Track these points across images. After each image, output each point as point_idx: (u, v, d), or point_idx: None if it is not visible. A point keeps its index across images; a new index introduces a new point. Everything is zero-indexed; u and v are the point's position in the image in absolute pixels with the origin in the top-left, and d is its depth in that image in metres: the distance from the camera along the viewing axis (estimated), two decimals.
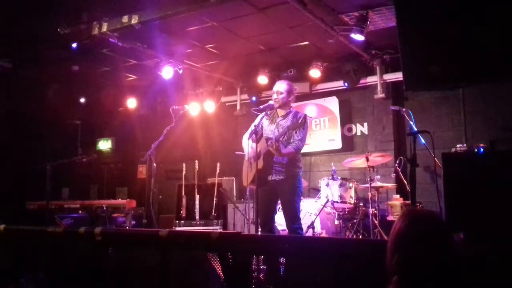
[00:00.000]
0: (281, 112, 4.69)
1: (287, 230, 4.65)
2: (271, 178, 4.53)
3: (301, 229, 4.61)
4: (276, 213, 4.78)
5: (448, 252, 1.59)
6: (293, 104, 5.00)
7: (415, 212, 1.74)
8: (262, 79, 7.76)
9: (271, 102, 4.66)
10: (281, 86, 4.69)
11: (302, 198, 5.11)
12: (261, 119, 4.68)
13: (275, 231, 4.80)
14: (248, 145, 4.61)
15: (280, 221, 4.94)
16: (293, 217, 4.49)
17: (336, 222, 6.28)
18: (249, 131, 4.84)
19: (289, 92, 4.68)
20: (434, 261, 1.56)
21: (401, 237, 1.64)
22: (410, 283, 1.58)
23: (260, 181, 4.38)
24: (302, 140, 4.52)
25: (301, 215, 4.94)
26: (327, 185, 6.24)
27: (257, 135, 4.42)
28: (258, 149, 4.38)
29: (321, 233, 6.13)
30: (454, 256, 1.60)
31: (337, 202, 6.15)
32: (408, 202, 5.75)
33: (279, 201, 4.69)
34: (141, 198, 7.99)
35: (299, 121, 4.29)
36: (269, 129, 4.66)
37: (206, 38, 6.76)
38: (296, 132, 4.46)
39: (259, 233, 4.36)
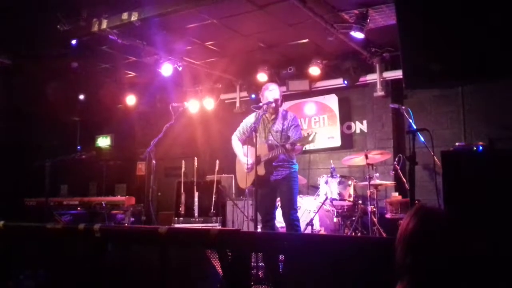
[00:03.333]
0: (270, 116, 4.72)
1: (285, 224, 4.67)
2: (271, 178, 4.56)
3: (298, 220, 4.64)
4: (276, 209, 4.80)
5: (463, 251, 1.57)
6: (293, 102, 5.01)
7: (426, 211, 1.68)
8: (262, 77, 7.74)
9: (270, 99, 4.64)
10: (276, 92, 4.69)
11: (301, 195, 5.13)
12: (260, 117, 4.66)
13: (275, 228, 4.82)
14: (239, 147, 4.66)
15: (279, 218, 4.95)
16: (291, 206, 4.55)
17: (335, 219, 6.28)
18: (240, 130, 4.87)
19: (281, 95, 4.76)
20: (450, 260, 1.54)
21: (414, 237, 1.59)
22: (425, 282, 1.56)
23: (261, 183, 4.39)
24: (301, 135, 4.61)
25: (300, 213, 4.96)
26: (326, 182, 6.24)
27: (257, 133, 4.43)
28: (258, 154, 4.39)
29: (320, 230, 6.14)
30: (468, 254, 1.59)
31: (336, 199, 6.15)
32: (407, 199, 5.76)
33: (278, 198, 4.71)
34: (140, 195, 7.98)
35: (291, 121, 4.54)
36: (261, 134, 4.65)
37: (205, 35, 6.74)
38: (293, 131, 4.55)
39: (259, 230, 4.37)
